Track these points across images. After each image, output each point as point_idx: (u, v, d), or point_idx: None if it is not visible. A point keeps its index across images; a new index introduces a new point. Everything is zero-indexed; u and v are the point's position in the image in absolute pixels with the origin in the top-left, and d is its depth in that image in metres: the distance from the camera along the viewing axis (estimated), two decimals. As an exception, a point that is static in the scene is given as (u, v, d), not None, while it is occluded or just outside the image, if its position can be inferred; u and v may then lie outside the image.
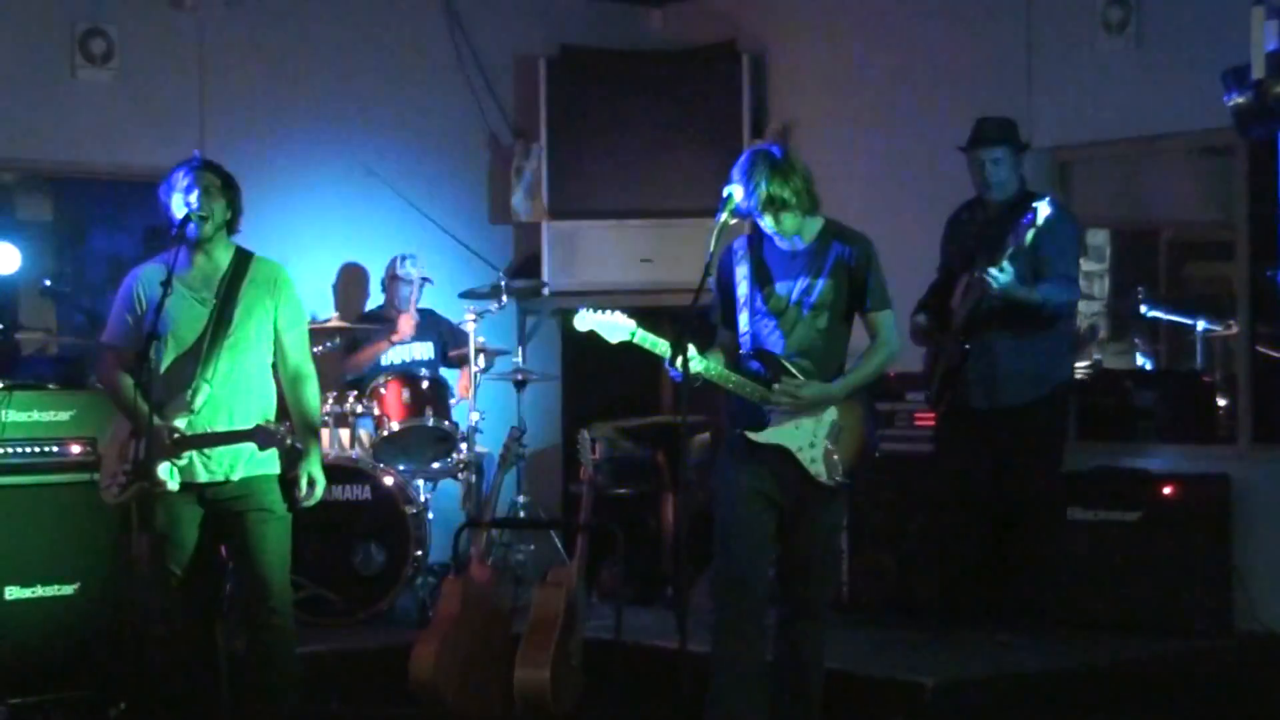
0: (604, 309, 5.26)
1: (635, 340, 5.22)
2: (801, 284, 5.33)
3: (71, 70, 7.98)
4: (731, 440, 5.40)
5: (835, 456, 5.30)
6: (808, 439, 5.29)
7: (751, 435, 5.31)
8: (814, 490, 5.32)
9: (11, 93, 7.85)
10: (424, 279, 8.32)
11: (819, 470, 5.29)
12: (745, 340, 5.35)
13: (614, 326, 5.23)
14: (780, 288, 5.34)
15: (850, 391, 5.34)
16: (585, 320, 5.26)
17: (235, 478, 5.43)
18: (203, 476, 5.41)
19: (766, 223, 5.27)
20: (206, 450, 5.39)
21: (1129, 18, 7.45)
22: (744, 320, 5.35)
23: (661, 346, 5.18)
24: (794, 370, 5.29)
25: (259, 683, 5.48)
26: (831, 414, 5.31)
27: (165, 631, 5.61)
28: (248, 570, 5.44)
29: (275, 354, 5.56)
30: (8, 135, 7.84)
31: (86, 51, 7.98)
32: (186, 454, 5.36)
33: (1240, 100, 5.15)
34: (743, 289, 5.35)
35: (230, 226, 5.54)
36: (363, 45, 8.82)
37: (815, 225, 5.36)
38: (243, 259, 5.53)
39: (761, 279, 5.35)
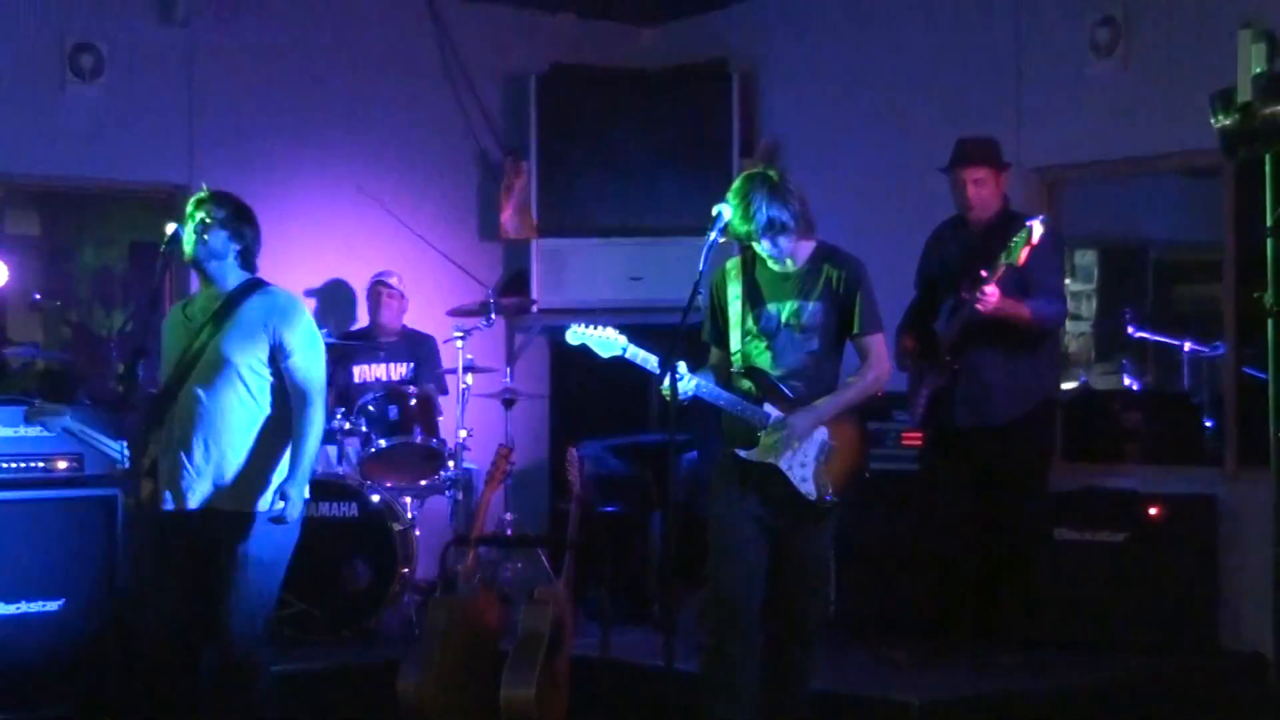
0: (596, 324, 5.29)
1: (627, 356, 5.26)
2: (792, 306, 5.35)
3: (61, 85, 7.98)
4: (723, 459, 5.41)
5: (825, 476, 5.32)
6: (799, 458, 5.31)
7: (742, 454, 5.33)
8: (804, 509, 5.34)
9: (0, 107, 7.84)
10: (402, 293, 8.28)
11: (809, 489, 5.31)
12: (736, 360, 5.37)
13: (606, 342, 5.29)
14: (771, 309, 5.36)
15: (839, 411, 5.35)
16: (577, 335, 5.32)
17: (213, 507, 5.36)
18: (172, 505, 5.38)
19: (764, 246, 5.29)
20: (185, 478, 5.35)
21: (1117, 40, 7.47)
22: (735, 340, 5.37)
23: (652, 362, 5.23)
24: (785, 391, 5.31)
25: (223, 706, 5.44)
26: (822, 433, 5.33)
27: (154, 647, 5.58)
28: (216, 605, 5.34)
29: (284, 381, 5.44)
30: (-4, 149, 7.85)
31: (76, 66, 7.98)
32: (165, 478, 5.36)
33: (1227, 122, 5.16)
34: (734, 309, 5.37)
35: (243, 258, 5.48)
36: (353, 62, 8.81)
37: (808, 247, 5.40)
38: (243, 291, 5.46)
39: (753, 300, 5.37)
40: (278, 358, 5.41)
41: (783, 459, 5.30)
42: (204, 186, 5.54)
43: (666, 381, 5.14)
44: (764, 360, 5.35)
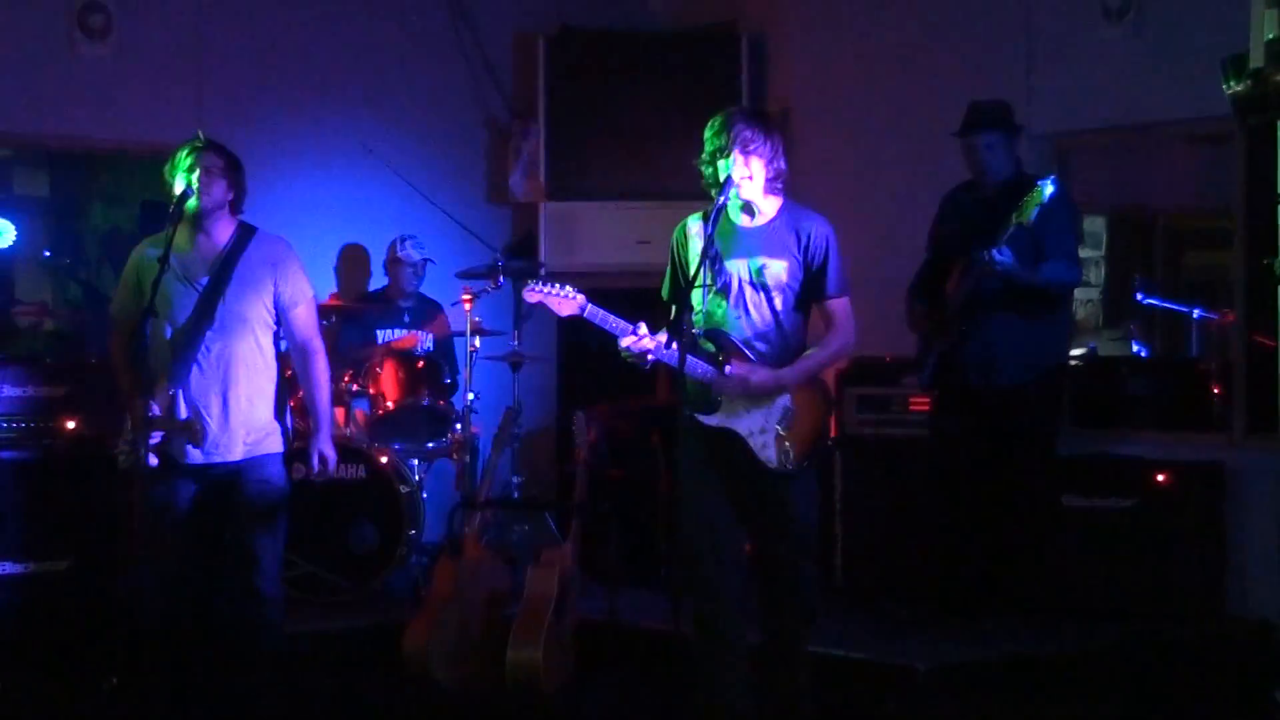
0: (558, 283, 5.15)
1: (585, 315, 5.10)
2: (757, 262, 5.17)
3: (70, 44, 7.96)
4: (683, 423, 5.17)
5: (787, 443, 5.14)
6: (758, 424, 5.15)
7: (701, 419, 5.18)
8: (766, 477, 5.16)
9: (9, 67, 7.82)
10: (426, 259, 8.34)
11: (769, 456, 5.14)
12: (699, 320, 5.18)
13: (563, 301, 5.11)
14: (734, 266, 5.17)
15: (804, 379, 5.18)
16: (534, 293, 5.13)
17: (231, 459, 5.41)
18: (196, 459, 5.39)
19: (726, 165, 5.08)
20: (206, 432, 5.37)
21: (1129, 5, 7.43)
22: (697, 298, 5.18)
23: (611, 323, 5.07)
24: (749, 354, 5.16)
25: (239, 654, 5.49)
26: (784, 399, 5.16)
27: (159, 604, 5.57)
28: (240, 548, 5.40)
29: (283, 330, 5.54)
30: (5, 109, 7.82)
31: (85, 25, 7.96)
32: (175, 435, 5.35)
33: (1239, 88, 5.15)
34: (697, 266, 5.14)
35: (233, 206, 5.53)
36: (361, 23, 8.80)
37: (774, 203, 5.22)
38: (243, 236, 5.50)
39: (716, 256, 5.16)
40: (281, 307, 5.50)
41: (742, 424, 5.14)
42: (199, 135, 5.54)
43: (624, 343, 5.04)
44: (727, 319, 5.17)
